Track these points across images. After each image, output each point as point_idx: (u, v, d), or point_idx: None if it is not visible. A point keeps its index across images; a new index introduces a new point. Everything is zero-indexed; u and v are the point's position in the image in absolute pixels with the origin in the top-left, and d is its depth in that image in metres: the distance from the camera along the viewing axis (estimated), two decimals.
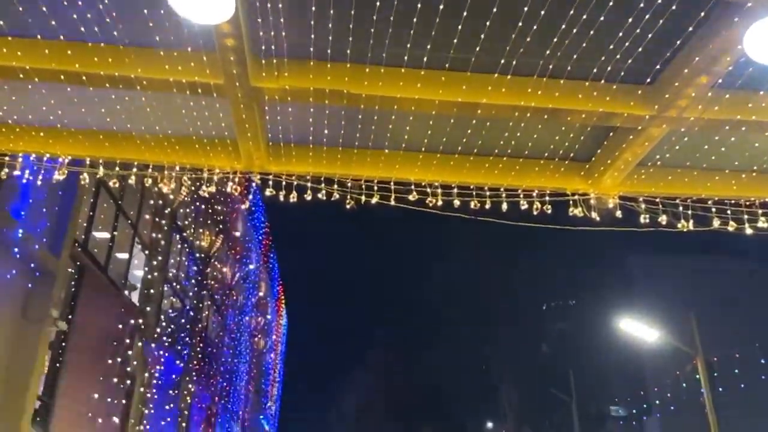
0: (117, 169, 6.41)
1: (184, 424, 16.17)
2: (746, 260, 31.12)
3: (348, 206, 6.55)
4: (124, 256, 14.19)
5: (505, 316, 26.73)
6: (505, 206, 6.74)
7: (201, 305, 20.04)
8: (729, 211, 6.80)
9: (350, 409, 34.51)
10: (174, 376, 15.65)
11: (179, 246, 17.88)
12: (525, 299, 25.80)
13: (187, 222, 18.51)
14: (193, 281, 19.46)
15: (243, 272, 26.49)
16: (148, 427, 13.11)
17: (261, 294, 32.03)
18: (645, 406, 24.40)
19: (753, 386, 12.24)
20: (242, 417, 27.33)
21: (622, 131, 6.16)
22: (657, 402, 19.44)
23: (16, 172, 6.54)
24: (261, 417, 33.57)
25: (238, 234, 24.91)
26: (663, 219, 6.75)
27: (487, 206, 6.75)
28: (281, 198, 6.49)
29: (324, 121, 6.25)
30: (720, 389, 11.92)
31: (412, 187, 6.69)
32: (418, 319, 30.98)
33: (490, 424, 33.59)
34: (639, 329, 12.44)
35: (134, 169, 6.39)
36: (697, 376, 11.85)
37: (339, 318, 55.93)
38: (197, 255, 20.02)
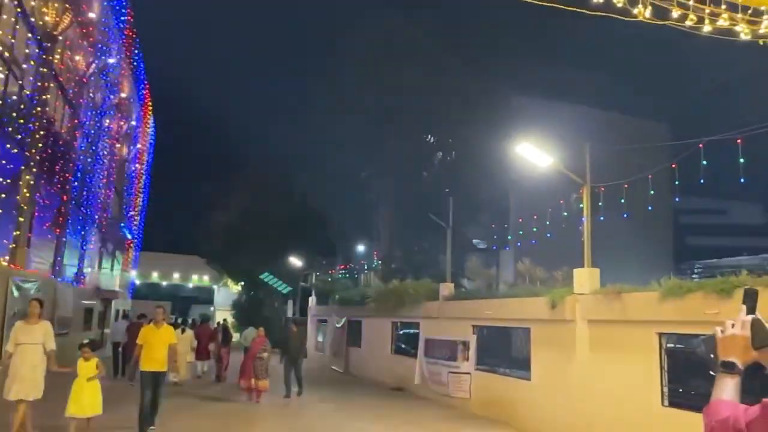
0: None
1: (21, 219, 14.13)
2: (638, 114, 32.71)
3: None
4: None
5: (390, 138, 25.87)
6: None
7: (46, 92, 16.97)
8: (691, 2, 5.79)
9: (218, 225, 33.53)
10: (5, 163, 13.25)
11: (12, 12, 14.41)
12: (410, 124, 24.86)
13: None
14: (33, 61, 16.19)
15: (100, 64, 22.90)
16: None
17: (123, 95, 28.52)
18: (507, 238, 25.94)
19: (637, 215, 12.76)
20: (100, 223, 25.38)
21: None
22: (519, 233, 20.38)
23: None
24: (122, 225, 31.73)
25: (93, 16, 20.99)
26: (619, 1, 5.62)
27: None
28: None
29: None
30: (602, 218, 12.13)
31: None
32: (295, 131, 28.73)
33: (360, 247, 34.58)
34: (534, 154, 12.02)
35: None
36: (581, 205, 11.85)
37: (211, 128, 51.46)
38: (39, 30, 16.49)
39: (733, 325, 1.94)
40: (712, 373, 1.91)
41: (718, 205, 43.56)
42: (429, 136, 29.01)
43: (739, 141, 8.60)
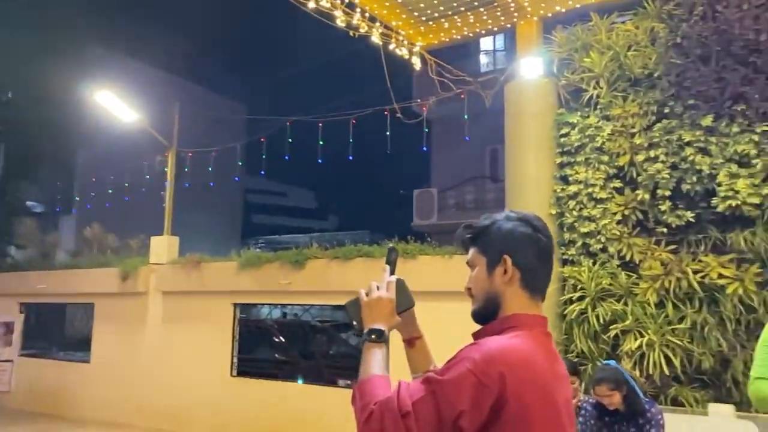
0: None
1: None
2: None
3: None
4: None
5: None
6: None
7: None
8: None
9: None
10: None
11: None
12: None
13: None
14: None
15: None
16: None
17: None
18: (74, 199, 22.77)
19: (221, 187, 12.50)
20: None
21: None
22: (92, 195, 18.02)
23: None
24: None
25: None
26: None
27: None
28: None
29: None
30: (187, 185, 11.53)
31: None
32: None
33: None
34: (116, 106, 10.64)
35: None
36: (165, 169, 11.09)
37: None
38: None
39: (378, 288, 1.66)
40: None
41: (280, 188, 48.58)
42: None
43: (320, 124, 9.31)
